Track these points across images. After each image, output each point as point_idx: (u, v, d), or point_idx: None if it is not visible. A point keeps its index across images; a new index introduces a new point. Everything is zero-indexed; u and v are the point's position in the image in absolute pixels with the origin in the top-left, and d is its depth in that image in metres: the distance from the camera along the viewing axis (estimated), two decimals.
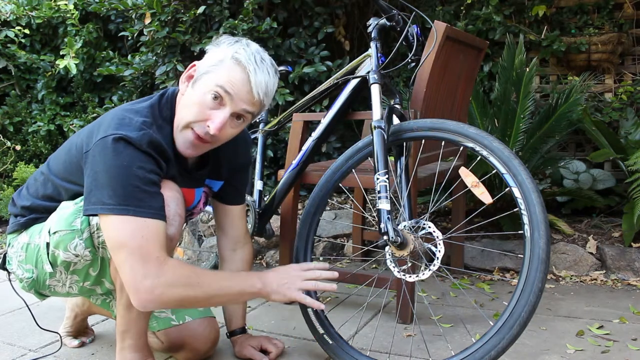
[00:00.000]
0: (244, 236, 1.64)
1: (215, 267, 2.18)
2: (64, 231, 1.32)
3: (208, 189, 1.57)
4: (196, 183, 1.49)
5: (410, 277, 1.41)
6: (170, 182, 1.33)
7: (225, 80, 1.29)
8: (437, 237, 1.39)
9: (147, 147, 1.25)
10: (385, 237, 1.40)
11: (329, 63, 2.96)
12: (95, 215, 1.25)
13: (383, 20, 1.67)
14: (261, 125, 2.17)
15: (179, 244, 2.40)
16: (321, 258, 2.64)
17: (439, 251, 1.38)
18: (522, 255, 1.27)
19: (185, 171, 1.42)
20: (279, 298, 1.37)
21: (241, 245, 1.63)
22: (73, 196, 1.36)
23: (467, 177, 1.43)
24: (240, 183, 1.62)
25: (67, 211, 1.33)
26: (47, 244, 1.35)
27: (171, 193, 1.31)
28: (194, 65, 1.36)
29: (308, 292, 1.53)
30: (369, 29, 1.69)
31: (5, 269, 1.52)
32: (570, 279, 2.31)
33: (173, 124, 1.37)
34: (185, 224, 2.40)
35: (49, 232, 1.35)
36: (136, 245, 1.20)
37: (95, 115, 3.47)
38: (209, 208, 2.08)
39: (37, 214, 1.44)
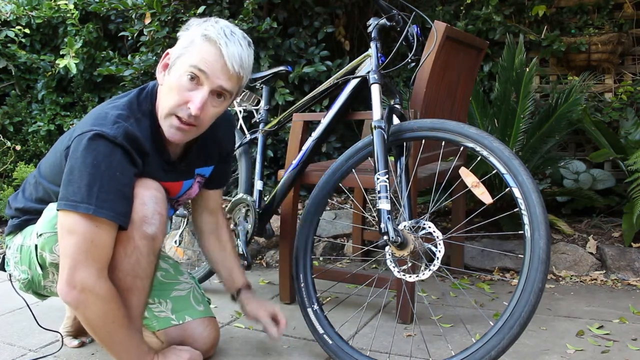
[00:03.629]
0: (219, 207, 1.69)
1: None
2: (49, 233, 1.32)
3: (201, 177, 1.57)
4: (183, 175, 1.49)
5: (410, 277, 1.41)
6: (149, 180, 1.32)
7: (198, 59, 1.28)
8: (437, 237, 1.39)
9: (122, 139, 1.24)
10: (385, 237, 1.41)
11: (329, 63, 2.96)
12: (63, 210, 1.24)
13: (383, 20, 1.67)
14: (261, 125, 2.17)
15: (179, 244, 2.39)
16: (321, 258, 2.64)
17: (439, 251, 1.38)
18: (522, 255, 1.27)
19: (168, 165, 1.41)
20: None
21: (216, 214, 1.68)
22: None
23: (467, 177, 1.43)
24: (228, 166, 1.67)
25: (51, 213, 1.33)
26: (36, 246, 1.37)
27: (149, 192, 1.30)
28: (168, 53, 1.35)
29: (308, 293, 1.54)
30: (369, 29, 1.69)
31: (5, 270, 1.53)
32: (570, 279, 2.31)
33: (154, 117, 1.36)
34: (181, 222, 2.41)
35: (37, 234, 1.36)
36: (88, 245, 1.21)
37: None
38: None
39: (30, 215, 1.45)
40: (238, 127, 2.32)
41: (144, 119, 1.34)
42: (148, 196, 1.29)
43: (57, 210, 1.25)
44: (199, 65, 1.28)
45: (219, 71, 1.29)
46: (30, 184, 1.48)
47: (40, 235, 1.34)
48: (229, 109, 1.55)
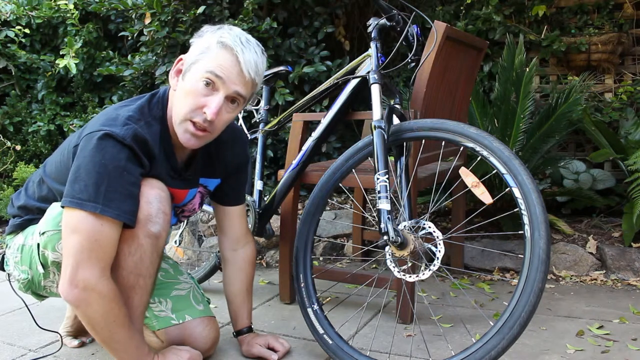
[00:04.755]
0: (244, 236, 1.65)
1: (215, 267, 2.17)
2: (52, 231, 1.33)
3: (204, 188, 1.57)
4: (188, 184, 1.49)
5: (410, 277, 1.41)
6: (154, 179, 1.33)
7: (214, 65, 1.30)
8: (437, 237, 1.39)
9: (131, 141, 1.25)
10: (385, 237, 1.41)
11: (329, 63, 2.96)
12: (68, 207, 1.24)
13: (383, 20, 1.67)
14: (261, 125, 2.17)
15: (179, 244, 2.40)
16: (321, 258, 2.64)
17: (439, 251, 1.38)
18: (522, 255, 1.27)
19: (174, 172, 1.42)
20: None
21: (242, 245, 1.64)
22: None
23: (467, 177, 1.43)
24: (238, 183, 1.62)
25: (55, 211, 1.34)
26: (38, 245, 1.37)
27: (154, 191, 1.31)
28: (181, 59, 1.37)
29: (308, 293, 1.54)
30: (369, 29, 1.69)
31: (4, 270, 1.53)
32: (570, 279, 2.31)
33: (164, 123, 1.37)
34: (182, 223, 2.41)
35: (39, 232, 1.36)
36: (92, 244, 1.22)
37: (95, 115, 3.47)
38: (209, 208, 2.09)
39: (32, 214, 1.45)
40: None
41: (155, 124, 1.35)
42: (153, 195, 1.30)
43: (62, 207, 1.25)
44: (216, 71, 1.30)
45: (235, 77, 1.31)
46: (34, 182, 1.48)
47: (43, 233, 1.34)
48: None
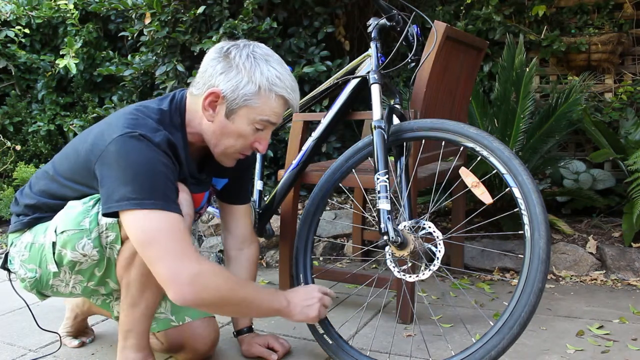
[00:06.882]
0: (250, 235, 1.66)
1: None
2: (72, 230, 1.31)
3: (212, 188, 1.58)
4: (204, 187, 1.51)
5: (410, 277, 1.41)
6: (180, 183, 1.35)
7: (269, 113, 1.34)
8: (437, 237, 1.39)
9: (166, 147, 1.27)
10: (385, 237, 1.41)
11: (329, 63, 2.96)
12: (113, 214, 1.23)
13: (383, 20, 1.67)
14: None
15: None
16: (321, 258, 2.65)
17: (439, 251, 1.38)
18: (522, 255, 1.27)
19: (193, 177, 1.43)
20: (302, 318, 1.42)
21: (247, 244, 1.65)
22: (80, 196, 1.36)
23: (467, 177, 1.43)
24: (245, 182, 1.64)
25: (75, 210, 1.33)
26: (54, 244, 1.34)
27: (182, 194, 1.32)
28: (215, 94, 1.31)
29: None
30: (369, 29, 1.69)
31: (6, 268, 1.51)
32: (570, 279, 2.31)
33: (184, 130, 1.38)
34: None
35: (55, 231, 1.34)
36: (170, 239, 1.21)
37: (95, 115, 3.47)
38: (210, 208, 2.09)
39: (41, 212, 1.43)
40: None
41: (176, 132, 1.35)
42: (182, 198, 1.31)
43: (114, 211, 1.22)
44: (271, 119, 1.35)
45: (282, 115, 1.38)
46: (42, 179, 1.45)
47: (62, 232, 1.32)
48: None
